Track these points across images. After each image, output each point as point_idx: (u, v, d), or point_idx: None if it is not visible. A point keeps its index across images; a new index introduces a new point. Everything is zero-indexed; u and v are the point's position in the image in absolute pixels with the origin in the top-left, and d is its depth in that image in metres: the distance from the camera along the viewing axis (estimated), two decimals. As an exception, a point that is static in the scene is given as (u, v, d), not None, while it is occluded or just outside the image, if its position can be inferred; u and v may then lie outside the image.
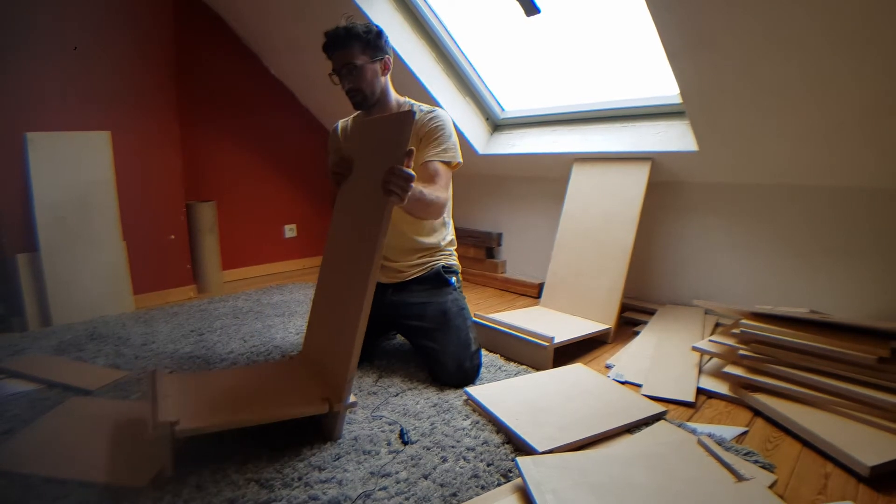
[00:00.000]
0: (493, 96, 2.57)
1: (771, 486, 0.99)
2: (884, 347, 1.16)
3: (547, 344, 1.56)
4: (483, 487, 1.00)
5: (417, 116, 1.49)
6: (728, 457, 1.04)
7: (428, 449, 1.14)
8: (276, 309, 2.26)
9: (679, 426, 1.22)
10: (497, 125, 2.66)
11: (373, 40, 1.48)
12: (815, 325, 1.30)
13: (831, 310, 1.66)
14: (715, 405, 1.36)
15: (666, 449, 1.09)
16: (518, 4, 2.00)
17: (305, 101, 3.03)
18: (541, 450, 1.08)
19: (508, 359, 1.67)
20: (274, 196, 3.00)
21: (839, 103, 1.42)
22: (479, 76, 2.50)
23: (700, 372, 1.50)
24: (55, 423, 1.24)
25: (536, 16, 2.02)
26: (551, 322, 1.87)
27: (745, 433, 1.21)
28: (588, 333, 1.77)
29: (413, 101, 1.62)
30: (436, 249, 1.66)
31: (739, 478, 0.97)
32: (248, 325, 2.04)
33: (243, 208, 2.87)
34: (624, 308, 2.02)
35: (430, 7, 2.28)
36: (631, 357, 1.64)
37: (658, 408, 1.29)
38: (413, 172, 1.14)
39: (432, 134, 1.51)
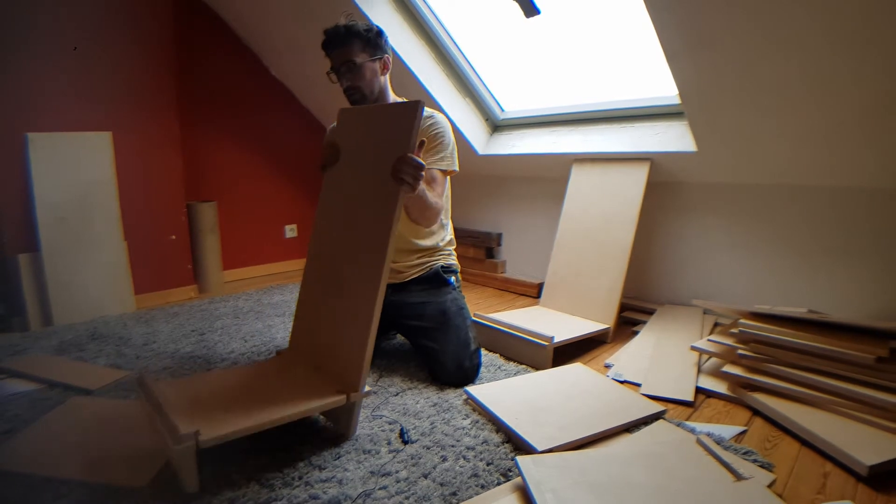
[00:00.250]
0: (492, 97, 2.58)
1: (770, 486, 0.99)
2: (882, 347, 1.17)
3: (546, 343, 1.57)
4: (483, 486, 1.01)
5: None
6: (727, 456, 1.04)
7: (428, 448, 1.14)
8: (276, 309, 2.27)
9: (678, 425, 1.22)
10: (497, 126, 2.67)
11: (373, 39, 1.48)
12: (813, 324, 1.31)
13: (830, 310, 1.66)
14: (714, 404, 1.36)
15: (665, 448, 1.09)
16: (517, 5, 2.00)
17: (306, 101, 3.03)
18: (540, 449, 1.09)
19: (508, 358, 1.67)
20: (274, 196, 3.01)
21: (839, 103, 1.42)
22: (478, 76, 2.50)
23: (699, 371, 1.50)
24: (56, 423, 1.25)
25: (536, 17, 2.03)
26: (551, 322, 1.87)
27: (743, 432, 1.21)
28: (587, 333, 1.77)
29: None
30: (435, 250, 1.66)
31: (738, 477, 0.97)
32: (249, 325, 2.04)
33: (244, 208, 2.87)
34: (623, 308, 2.03)
35: (429, 7, 2.28)
36: (630, 356, 1.64)
37: (657, 407, 1.29)
38: (423, 162, 1.14)
39: (432, 141, 1.50)
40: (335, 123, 1.69)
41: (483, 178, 2.78)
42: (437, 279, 1.62)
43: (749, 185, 1.86)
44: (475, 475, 1.04)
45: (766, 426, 1.24)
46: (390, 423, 1.25)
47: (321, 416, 1.28)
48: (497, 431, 1.21)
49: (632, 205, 1.96)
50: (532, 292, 2.47)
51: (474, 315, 1.74)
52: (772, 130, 1.62)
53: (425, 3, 2.26)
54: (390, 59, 1.54)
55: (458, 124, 2.46)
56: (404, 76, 2.30)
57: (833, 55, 1.32)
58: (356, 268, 1.23)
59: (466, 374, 1.47)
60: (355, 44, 1.45)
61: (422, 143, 1.15)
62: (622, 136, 2.10)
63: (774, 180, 1.79)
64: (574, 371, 1.53)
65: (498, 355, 1.70)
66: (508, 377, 1.51)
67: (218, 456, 1.08)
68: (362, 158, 1.32)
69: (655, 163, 1.98)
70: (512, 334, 1.68)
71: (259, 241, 2.98)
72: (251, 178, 2.90)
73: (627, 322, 2.02)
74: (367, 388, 1.15)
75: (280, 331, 1.97)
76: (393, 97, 1.59)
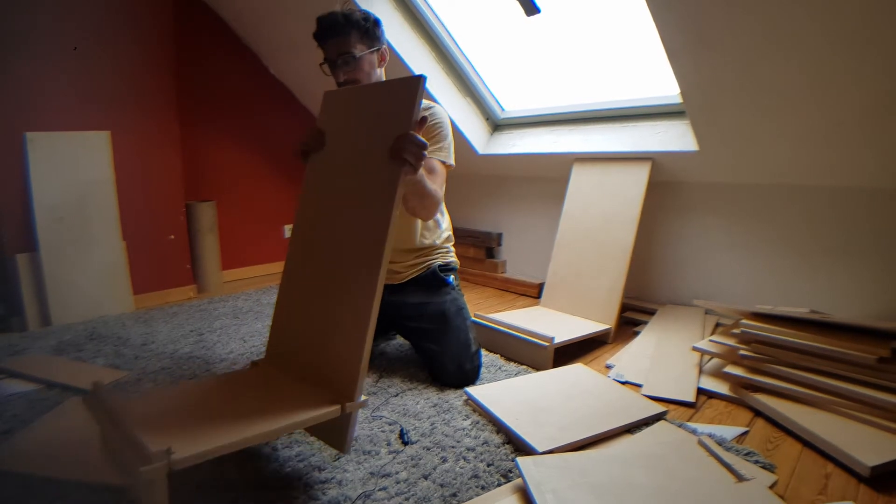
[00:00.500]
0: (493, 96, 2.57)
1: (771, 487, 0.99)
2: (884, 347, 1.16)
3: (547, 344, 1.56)
4: (483, 488, 1.00)
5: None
6: (728, 457, 1.04)
7: (428, 449, 1.14)
8: (275, 309, 2.26)
9: (679, 426, 1.21)
10: (497, 125, 2.66)
11: (371, 28, 1.40)
12: (815, 325, 1.30)
13: (831, 310, 1.66)
14: (715, 405, 1.36)
15: (666, 449, 1.09)
16: (518, 4, 1.99)
17: (305, 101, 3.03)
18: (541, 450, 1.08)
19: (508, 359, 1.67)
20: (274, 195, 3.00)
21: (839, 103, 1.42)
22: (479, 76, 2.50)
23: (700, 372, 1.50)
24: (54, 423, 1.24)
25: (536, 16, 2.02)
26: (551, 322, 1.87)
27: (745, 433, 1.21)
28: (588, 333, 1.77)
29: None
30: (432, 248, 1.63)
31: (740, 478, 0.97)
32: (248, 325, 2.03)
33: (243, 208, 2.87)
34: (624, 308, 2.02)
35: (430, 6, 2.28)
36: (631, 357, 1.64)
37: (658, 408, 1.29)
38: (426, 141, 1.04)
39: (430, 131, 1.45)
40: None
41: (483, 178, 2.77)
42: (435, 279, 1.59)
43: (749, 184, 1.86)
44: (475, 476, 1.04)
45: (768, 427, 1.24)
46: (390, 424, 1.25)
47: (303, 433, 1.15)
48: (497, 432, 1.21)
49: (633, 205, 1.95)
50: (532, 292, 2.46)
51: (474, 315, 1.73)
52: (772, 130, 1.62)
53: (426, 1, 2.26)
54: (387, 50, 1.48)
55: (459, 124, 2.45)
56: (404, 75, 2.29)
57: (833, 55, 1.32)
58: (350, 262, 1.10)
59: (467, 375, 1.46)
60: (353, 34, 1.36)
61: (423, 119, 1.04)
62: (623, 135, 2.09)
63: (775, 180, 1.78)
64: (575, 372, 1.52)
65: (498, 356, 1.69)
66: (509, 378, 1.51)
67: (218, 457, 1.07)
68: (355, 142, 1.19)
69: (656, 162, 1.98)
70: (512, 335, 1.68)
71: (258, 240, 2.97)
72: (250, 178, 2.89)
73: (628, 322, 2.01)
74: (363, 397, 1.01)
75: (279, 331, 1.96)
76: None
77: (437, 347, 1.48)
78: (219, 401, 1.05)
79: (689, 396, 1.37)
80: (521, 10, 2.02)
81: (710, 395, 1.40)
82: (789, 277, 1.80)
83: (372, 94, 1.25)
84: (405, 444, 1.16)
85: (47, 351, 1.74)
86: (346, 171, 1.19)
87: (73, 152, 2.05)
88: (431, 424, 1.24)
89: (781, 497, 0.95)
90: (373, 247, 1.04)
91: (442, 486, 1.01)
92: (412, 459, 1.10)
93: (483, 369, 1.55)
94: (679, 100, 1.84)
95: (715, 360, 1.54)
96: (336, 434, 1.02)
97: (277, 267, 3.06)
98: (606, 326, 1.83)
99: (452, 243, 1.72)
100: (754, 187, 1.85)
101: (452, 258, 1.69)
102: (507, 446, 1.15)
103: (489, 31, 2.39)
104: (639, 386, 1.44)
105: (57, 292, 2.01)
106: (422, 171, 1.20)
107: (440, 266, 1.62)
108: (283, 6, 2.36)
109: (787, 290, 1.80)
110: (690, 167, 1.94)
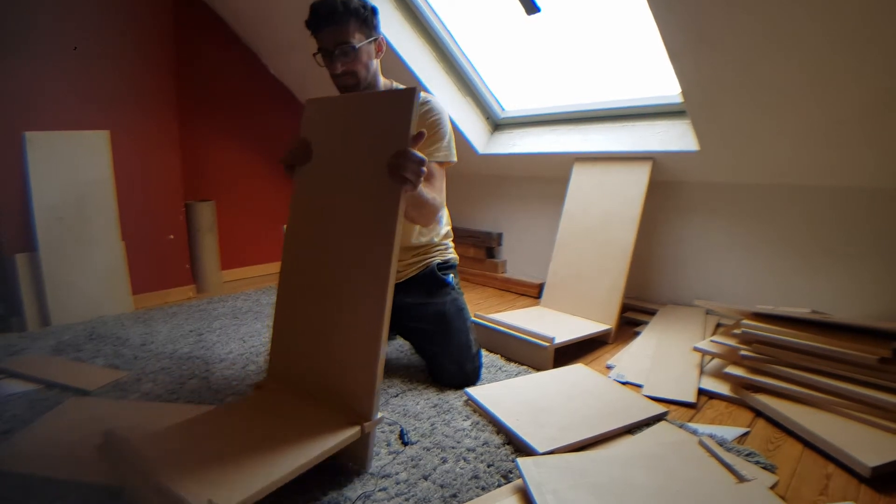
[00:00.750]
0: (493, 96, 2.57)
1: (772, 487, 0.99)
2: (885, 347, 1.16)
3: (547, 344, 1.56)
4: (483, 488, 1.00)
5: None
6: (729, 457, 1.03)
7: (428, 450, 1.13)
8: (275, 309, 2.26)
9: (680, 427, 1.21)
10: (497, 125, 2.66)
11: (369, 17, 1.34)
12: (816, 325, 1.30)
13: (832, 310, 1.66)
14: (716, 406, 1.36)
15: (667, 450, 1.09)
16: (518, 3, 1.99)
17: (304, 100, 3.02)
18: (541, 450, 1.08)
19: (509, 359, 1.67)
20: (273, 195, 3.00)
21: (839, 101, 1.42)
22: (479, 76, 2.49)
23: (701, 372, 1.50)
24: (54, 423, 1.24)
25: (536, 15, 2.02)
26: (552, 322, 1.87)
27: (746, 434, 1.21)
28: (589, 334, 1.77)
29: (400, 85, 1.50)
30: (431, 246, 1.61)
31: (740, 479, 0.96)
32: (248, 326, 2.03)
33: (242, 208, 2.86)
34: (625, 308, 2.02)
35: (430, 5, 2.27)
36: (632, 357, 1.64)
37: (659, 408, 1.29)
38: (424, 157, 1.02)
39: (429, 130, 1.39)
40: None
41: (483, 178, 2.77)
42: (435, 279, 1.57)
43: (750, 184, 1.86)
44: (475, 477, 1.03)
45: (769, 427, 1.23)
46: (390, 425, 1.24)
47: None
48: (498, 433, 1.20)
49: (633, 204, 1.95)
50: (533, 292, 2.46)
51: (475, 315, 1.73)
52: (772, 129, 1.62)
53: (426, 2, 2.26)
54: (383, 42, 1.42)
55: (459, 123, 2.45)
56: (405, 76, 2.30)
57: (833, 53, 1.32)
58: (355, 279, 1.08)
59: (468, 376, 1.46)
60: (352, 22, 1.29)
61: (421, 134, 1.03)
62: (623, 135, 2.09)
63: (775, 180, 1.78)
64: (575, 372, 1.52)
65: (499, 356, 1.69)
66: (509, 378, 1.51)
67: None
68: (345, 157, 1.16)
69: (657, 162, 1.97)
70: (513, 335, 1.67)
71: (258, 240, 2.97)
72: (250, 178, 2.89)
73: (629, 322, 2.01)
74: (379, 415, 1.02)
75: (279, 331, 1.96)
76: (383, 81, 1.47)
77: (438, 348, 1.48)
78: (234, 432, 1.03)
79: (690, 397, 1.36)
80: (522, 10, 2.02)
81: (711, 395, 1.40)
82: (790, 277, 1.80)
83: (361, 105, 1.20)
84: (405, 444, 1.16)
85: (46, 351, 1.74)
86: (340, 188, 1.15)
87: (73, 152, 2.05)
88: (431, 425, 1.24)
89: (782, 498, 0.95)
90: (378, 264, 1.03)
91: (442, 486, 1.01)
92: (412, 460, 1.09)
93: (483, 370, 1.55)
94: (679, 99, 1.84)
95: (716, 361, 1.54)
96: (355, 452, 1.03)
97: (277, 267, 3.03)
98: (607, 327, 1.83)
99: (451, 239, 1.69)
100: (755, 187, 1.85)
101: (452, 255, 1.66)
102: (507, 447, 1.14)
103: (489, 31, 2.38)
104: (639, 386, 1.44)
105: (56, 292, 2.00)
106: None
107: (439, 264, 1.59)
108: (282, 6, 2.36)
109: (787, 290, 1.80)
110: (691, 167, 1.94)
